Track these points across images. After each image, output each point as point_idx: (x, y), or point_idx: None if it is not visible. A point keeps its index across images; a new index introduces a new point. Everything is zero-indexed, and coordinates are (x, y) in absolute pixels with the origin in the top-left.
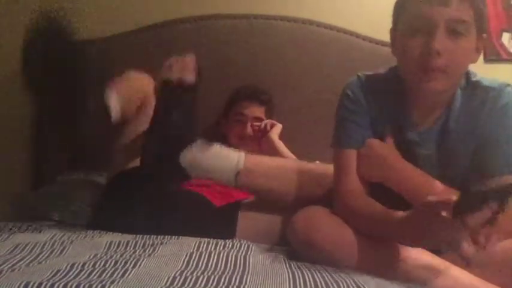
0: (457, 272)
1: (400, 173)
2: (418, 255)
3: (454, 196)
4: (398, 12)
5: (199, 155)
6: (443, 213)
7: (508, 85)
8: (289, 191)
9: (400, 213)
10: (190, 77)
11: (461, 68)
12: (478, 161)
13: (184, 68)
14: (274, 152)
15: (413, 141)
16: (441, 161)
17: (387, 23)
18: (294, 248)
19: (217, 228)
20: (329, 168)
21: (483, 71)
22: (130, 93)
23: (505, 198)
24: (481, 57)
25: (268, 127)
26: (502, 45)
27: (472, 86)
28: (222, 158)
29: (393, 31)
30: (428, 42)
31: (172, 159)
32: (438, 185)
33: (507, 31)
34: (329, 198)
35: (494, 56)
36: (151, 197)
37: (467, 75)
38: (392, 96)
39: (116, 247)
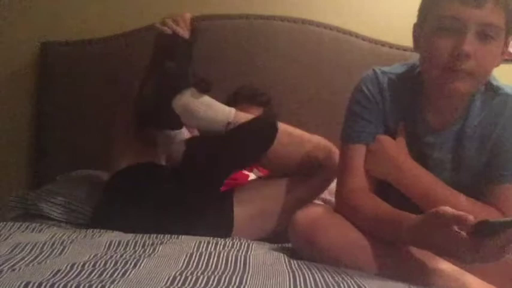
0: (459, 274)
1: (406, 172)
2: (419, 255)
3: (472, 218)
4: (428, 8)
5: (192, 102)
6: (456, 228)
7: None
8: (275, 148)
9: (409, 217)
10: (184, 30)
11: (487, 72)
12: (491, 168)
13: (179, 23)
14: None
15: (426, 143)
16: (453, 165)
17: (387, 23)
18: (294, 247)
19: (214, 220)
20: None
21: None
22: None
23: None
24: None
25: None
26: None
27: (492, 92)
28: (213, 108)
29: (418, 27)
30: (459, 44)
31: (166, 105)
32: (462, 199)
33: None
34: (309, 163)
35: None
36: (150, 195)
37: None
38: (409, 95)
39: (116, 247)
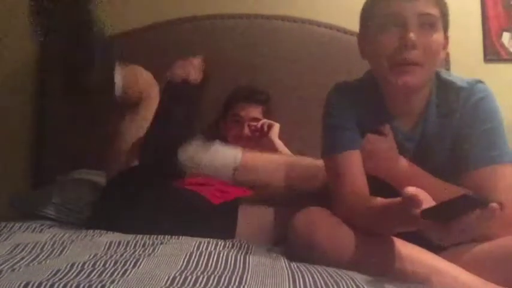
0: (457, 272)
1: (400, 169)
2: (418, 255)
3: (422, 199)
4: (367, 14)
5: (199, 152)
6: (414, 211)
7: (479, 81)
8: (285, 184)
9: (383, 201)
10: (195, 76)
11: (435, 62)
12: (455, 157)
13: (190, 68)
14: (275, 153)
15: (397, 143)
16: (418, 159)
17: None
18: (294, 250)
19: (217, 226)
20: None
21: (483, 71)
22: (133, 79)
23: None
24: (481, 57)
25: (266, 128)
26: (502, 45)
27: (445, 87)
28: (220, 155)
29: (361, 36)
30: (403, 35)
31: (171, 154)
32: (454, 189)
33: (507, 31)
34: (327, 191)
35: (494, 56)
36: (151, 196)
37: (437, 74)
38: (373, 100)
39: (116, 247)
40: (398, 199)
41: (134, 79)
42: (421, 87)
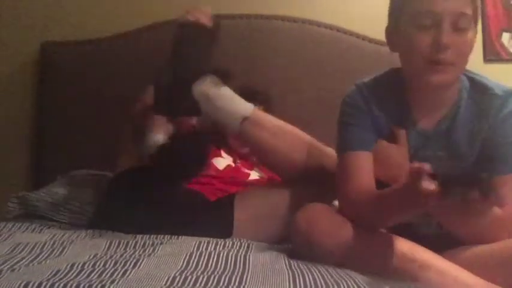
0: (457, 272)
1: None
2: (419, 254)
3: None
4: (400, 9)
5: (212, 90)
6: (424, 183)
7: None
8: (295, 156)
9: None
10: (206, 20)
11: (465, 60)
12: (482, 164)
13: (201, 14)
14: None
15: (417, 142)
16: (446, 162)
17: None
18: (295, 247)
19: (214, 222)
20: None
21: (483, 71)
22: None
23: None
24: (481, 58)
25: None
26: (502, 45)
27: (479, 90)
28: (233, 100)
29: (392, 29)
30: (437, 37)
31: (186, 91)
32: None
33: (507, 31)
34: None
35: (494, 56)
36: (152, 196)
37: (469, 74)
38: (394, 98)
39: (116, 247)
40: (404, 179)
41: None
42: (452, 84)
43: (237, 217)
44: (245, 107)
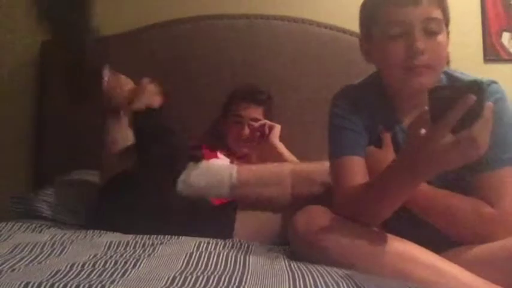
0: (457, 271)
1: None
2: (419, 254)
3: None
4: (370, 21)
5: (190, 174)
6: (423, 131)
7: (493, 82)
8: (286, 195)
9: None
10: (152, 100)
11: (442, 62)
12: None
13: (146, 94)
14: (275, 154)
15: (404, 140)
16: None
17: None
18: (294, 249)
19: (215, 227)
20: (322, 164)
21: (483, 71)
22: (119, 83)
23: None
24: (481, 58)
25: (267, 130)
26: (502, 45)
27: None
28: (215, 174)
29: (364, 41)
30: (410, 43)
31: (166, 192)
32: (454, 199)
33: (507, 31)
34: (328, 195)
35: (494, 56)
36: (150, 197)
37: (447, 72)
38: (378, 100)
39: (116, 247)
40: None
41: (117, 86)
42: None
43: (239, 219)
44: (228, 175)
